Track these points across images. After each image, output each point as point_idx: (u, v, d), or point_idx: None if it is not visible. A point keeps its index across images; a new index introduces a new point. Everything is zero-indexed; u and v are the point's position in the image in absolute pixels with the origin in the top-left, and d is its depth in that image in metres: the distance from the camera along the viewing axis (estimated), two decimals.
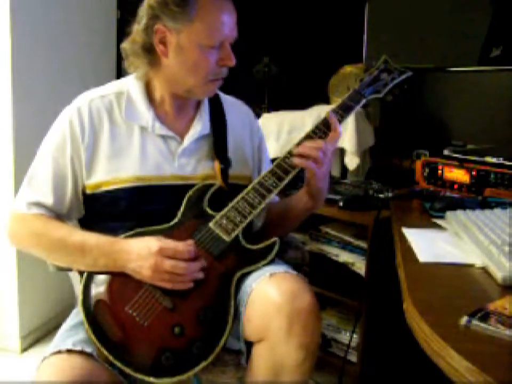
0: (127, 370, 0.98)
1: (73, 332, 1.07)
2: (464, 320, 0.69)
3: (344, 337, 1.85)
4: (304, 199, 1.23)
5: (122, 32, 1.25)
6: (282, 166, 1.15)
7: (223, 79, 1.18)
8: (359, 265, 1.79)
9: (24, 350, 2.13)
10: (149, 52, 1.14)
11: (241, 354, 1.10)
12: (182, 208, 1.14)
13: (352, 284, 1.80)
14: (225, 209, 1.13)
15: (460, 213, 1.15)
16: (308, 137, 1.18)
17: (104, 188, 1.15)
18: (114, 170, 1.15)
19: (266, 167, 1.30)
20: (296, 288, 0.99)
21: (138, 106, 1.19)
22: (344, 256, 1.85)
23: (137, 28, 1.15)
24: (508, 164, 1.44)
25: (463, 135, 1.86)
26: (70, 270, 1.20)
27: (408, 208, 1.42)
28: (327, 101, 2.30)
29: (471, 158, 1.52)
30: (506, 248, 0.89)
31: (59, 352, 0.99)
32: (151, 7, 1.11)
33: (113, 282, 1.06)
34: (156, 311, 1.02)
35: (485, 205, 1.25)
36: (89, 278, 1.07)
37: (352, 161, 2.10)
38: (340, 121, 1.20)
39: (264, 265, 1.10)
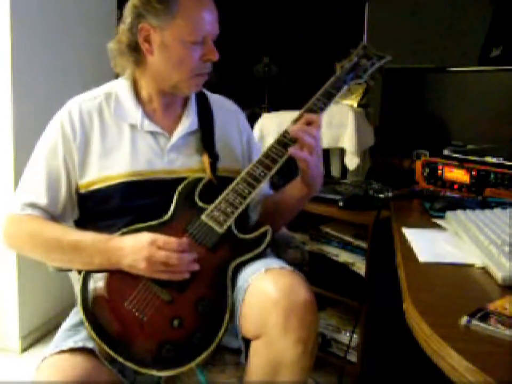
0: (129, 364, 0.98)
1: (73, 331, 1.07)
2: (464, 320, 0.69)
3: (344, 337, 1.85)
4: (299, 186, 1.24)
5: None
6: (269, 155, 1.17)
7: (207, 74, 1.21)
8: (359, 265, 1.79)
9: (24, 350, 2.13)
10: (135, 50, 1.18)
11: (240, 352, 1.10)
12: (173, 203, 1.16)
13: (352, 284, 1.80)
14: (216, 201, 1.14)
15: (460, 213, 1.15)
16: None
17: (97, 186, 1.17)
18: (106, 168, 1.18)
19: None
20: (292, 283, 1.00)
21: (126, 105, 1.22)
22: (344, 256, 1.85)
23: (123, 27, 1.19)
24: (508, 163, 1.44)
25: (463, 135, 1.86)
26: (70, 270, 1.20)
27: (408, 208, 1.42)
28: None
29: (471, 158, 1.52)
30: (506, 248, 0.89)
31: (60, 352, 1.00)
32: (135, 6, 1.15)
33: (111, 280, 1.07)
34: (155, 305, 1.03)
35: (485, 205, 1.25)
36: (86, 277, 1.08)
37: (352, 161, 2.10)
38: (323, 109, 1.23)
39: (259, 258, 1.11)
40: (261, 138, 2.28)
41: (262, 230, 1.15)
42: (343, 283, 1.84)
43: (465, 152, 1.62)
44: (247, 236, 1.14)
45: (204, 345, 1.00)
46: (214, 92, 1.38)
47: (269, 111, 2.58)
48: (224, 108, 1.36)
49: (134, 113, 1.21)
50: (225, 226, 1.11)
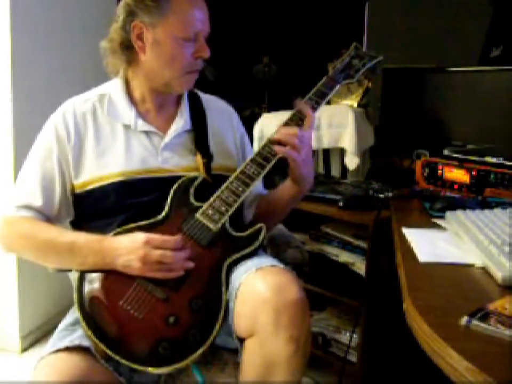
0: (126, 362, 0.98)
1: (69, 330, 1.08)
2: (464, 320, 0.69)
3: (344, 337, 1.85)
4: (289, 185, 1.26)
5: None
6: (262, 154, 1.19)
7: (198, 71, 1.23)
8: (359, 265, 1.79)
9: (24, 350, 2.14)
10: (127, 48, 1.19)
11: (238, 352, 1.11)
12: (168, 202, 1.16)
13: (352, 284, 1.80)
14: (211, 200, 1.15)
15: (460, 213, 1.15)
16: (285, 124, 1.23)
17: (92, 186, 1.18)
18: (101, 168, 1.18)
19: None
20: (283, 281, 1.00)
21: (120, 106, 1.23)
22: (344, 256, 1.85)
23: (115, 26, 1.20)
24: (508, 163, 1.44)
25: (463, 135, 1.86)
26: (70, 270, 1.20)
27: (408, 208, 1.42)
28: (327, 101, 2.30)
29: (471, 158, 1.52)
30: (506, 248, 0.89)
31: (56, 351, 1.00)
32: (128, 4, 1.17)
33: (106, 279, 1.08)
34: (150, 303, 1.04)
35: (485, 205, 1.25)
36: (82, 277, 1.09)
37: (352, 161, 2.10)
38: (316, 108, 1.26)
39: (252, 257, 1.12)
40: (261, 138, 2.28)
41: (256, 227, 1.16)
42: (343, 283, 1.84)
43: (465, 152, 1.62)
44: (241, 234, 1.15)
45: (200, 341, 1.00)
46: (213, 90, 1.39)
47: (269, 111, 2.58)
48: (217, 107, 1.37)
49: (128, 113, 1.22)
50: (219, 224, 1.12)
